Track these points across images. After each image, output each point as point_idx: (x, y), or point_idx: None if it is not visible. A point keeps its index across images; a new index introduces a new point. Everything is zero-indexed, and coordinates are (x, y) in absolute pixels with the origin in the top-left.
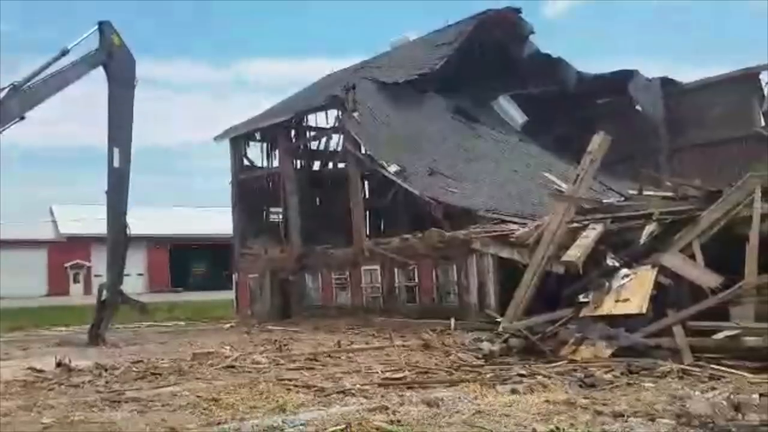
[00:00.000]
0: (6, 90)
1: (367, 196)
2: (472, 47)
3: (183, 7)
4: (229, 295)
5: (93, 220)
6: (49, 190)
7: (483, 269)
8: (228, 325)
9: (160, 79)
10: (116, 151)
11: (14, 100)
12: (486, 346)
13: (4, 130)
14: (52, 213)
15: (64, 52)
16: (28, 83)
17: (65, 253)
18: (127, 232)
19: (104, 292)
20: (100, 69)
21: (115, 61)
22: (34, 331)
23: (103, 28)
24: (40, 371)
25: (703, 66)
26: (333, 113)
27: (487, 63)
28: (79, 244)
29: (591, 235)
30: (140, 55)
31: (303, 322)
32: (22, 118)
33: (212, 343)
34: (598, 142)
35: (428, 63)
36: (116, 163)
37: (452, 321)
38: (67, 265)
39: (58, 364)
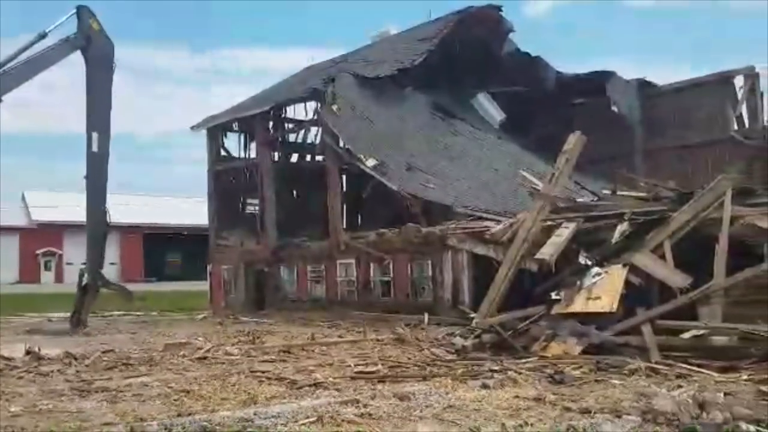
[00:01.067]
0: None
1: (344, 189)
2: (452, 44)
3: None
4: (204, 286)
5: (65, 207)
6: (23, 175)
7: (458, 265)
8: (201, 316)
9: (141, 66)
10: (95, 135)
11: None
12: (459, 341)
13: None
14: (24, 199)
15: (42, 36)
16: (5, 67)
17: (37, 240)
18: (107, 217)
19: (85, 277)
20: (78, 53)
21: (93, 46)
22: (4, 319)
23: (81, 12)
24: (9, 359)
25: (679, 69)
26: (312, 105)
27: (467, 60)
28: (51, 232)
29: (564, 233)
30: (119, 40)
31: (277, 314)
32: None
33: (185, 333)
34: (573, 141)
35: (408, 58)
36: (95, 148)
37: (426, 316)
38: (39, 252)
39: (28, 353)
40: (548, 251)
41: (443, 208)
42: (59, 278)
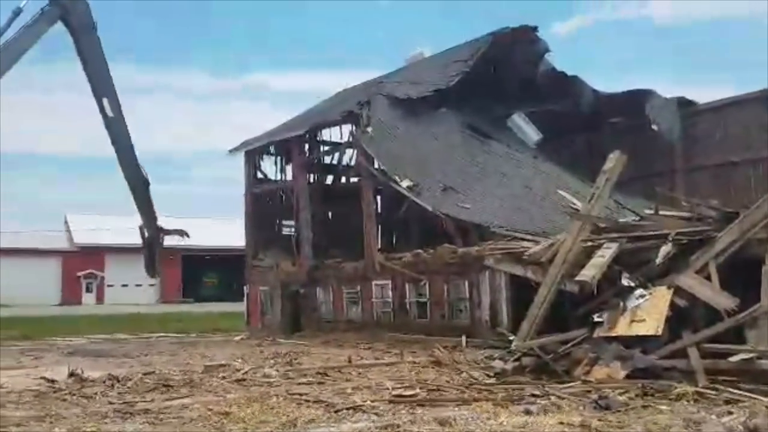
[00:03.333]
0: None
1: (379, 210)
2: (487, 64)
3: (193, 14)
4: (240, 307)
5: (106, 230)
6: (64, 197)
7: (495, 286)
8: (239, 338)
9: (175, 88)
10: (105, 101)
11: None
12: (498, 364)
13: None
14: (66, 222)
15: (17, 13)
16: None
17: (79, 262)
18: (143, 172)
19: (145, 232)
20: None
21: (70, 13)
22: (47, 340)
23: None
24: (53, 381)
25: (707, 86)
26: (347, 128)
27: (502, 80)
28: (93, 254)
29: (606, 254)
30: (150, 64)
31: (313, 335)
32: None
33: (223, 355)
34: (613, 160)
35: (443, 80)
36: (110, 113)
37: (463, 338)
38: (80, 274)
39: (71, 375)
40: (590, 273)
41: (479, 228)
42: (100, 299)
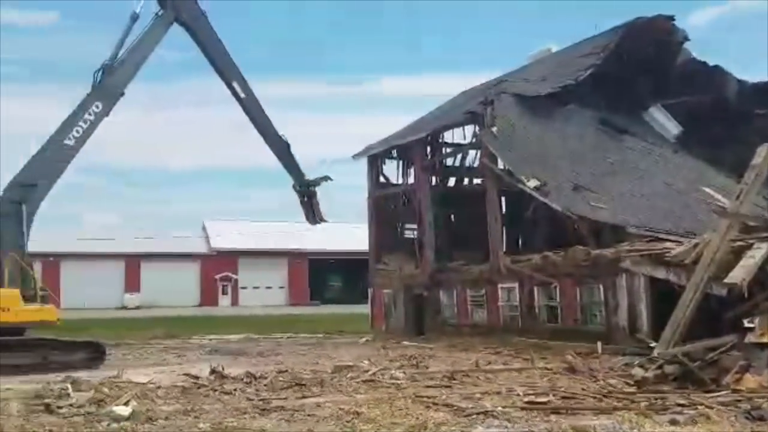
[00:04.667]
0: (100, 72)
1: (504, 212)
2: (620, 57)
3: (322, 24)
4: (363, 309)
5: (239, 235)
6: (202, 206)
7: (634, 290)
8: (363, 340)
9: (298, 98)
10: (235, 84)
11: (112, 79)
12: (638, 372)
13: (110, 110)
14: (204, 228)
15: (135, 18)
16: (117, 59)
17: (215, 266)
18: (282, 137)
19: (298, 188)
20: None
21: (182, 11)
22: (188, 340)
23: None
24: (196, 378)
25: None
26: (470, 129)
27: (637, 73)
28: (228, 258)
29: (756, 255)
30: (276, 76)
31: (437, 338)
32: (122, 94)
33: (350, 356)
34: (763, 154)
35: (571, 74)
36: (242, 94)
37: (599, 344)
38: (217, 277)
39: (212, 372)
40: (739, 275)
41: (614, 229)
42: (235, 302)
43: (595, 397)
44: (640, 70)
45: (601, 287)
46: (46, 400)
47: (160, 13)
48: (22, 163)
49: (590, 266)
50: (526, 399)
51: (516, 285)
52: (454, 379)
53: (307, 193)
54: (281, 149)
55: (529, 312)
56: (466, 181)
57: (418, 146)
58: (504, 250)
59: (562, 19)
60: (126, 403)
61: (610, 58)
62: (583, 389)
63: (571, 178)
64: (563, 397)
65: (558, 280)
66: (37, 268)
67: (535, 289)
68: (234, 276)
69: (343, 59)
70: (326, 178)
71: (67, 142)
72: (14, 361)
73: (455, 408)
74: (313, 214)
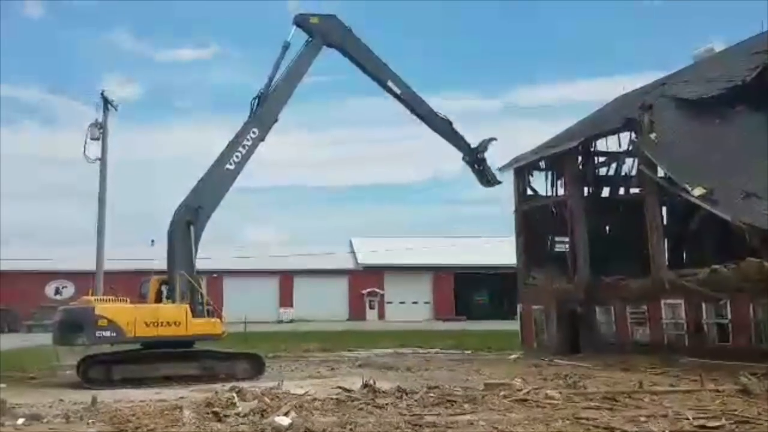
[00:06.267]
0: (256, 100)
1: (665, 223)
2: None
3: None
4: (510, 325)
5: (385, 252)
6: (349, 222)
7: None
8: (514, 357)
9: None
10: (390, 83)
11: (266, 106)
12: None
13: (266, 135)
14: (351, 245)
15: (286, 47)
16: (271, 87)
17: (362, 281)
18: (445, 117)
19: (468, 158)
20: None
21: (328, 34)
22: (340, 353)
23: (299, 21)
24: (350, 391)
25: None
26: (626, 136)
27: None
28: (374, 274)
29: None
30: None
31: (593, 357)
32: (276, 120)
33: (500, 373)
34: None
35: (739, 74)
36: (397, 90)
37: None
38: (364, 292)
39: (365, 386)
40: None
41: None
42: (381, 316)
43: None
44: None
45: None
46: (215, 409)
47: (309, 41)
48: (191, 186)
49: (765, 280)
50: (696, 423)
51: (681, 301)
52: (616, 401)
53: (476, 160)
54: (445, 128)
55: (696, 330)
56: (621, 191)
57: (569, 156)
58: (666, 263)
59: (726, 18)
60: (286, 414)
61: None
62: (759, 413)
63: (741, 185)
64: (738, 422)
65: (729, 295)
66: (203, 284)
67: (703, 305)
68: (380, 291)
69: (488, 67)
70: (491, 140)
71: (228, 166)
72: (184, 372)
73: (618, 431)
74: (486, 178)
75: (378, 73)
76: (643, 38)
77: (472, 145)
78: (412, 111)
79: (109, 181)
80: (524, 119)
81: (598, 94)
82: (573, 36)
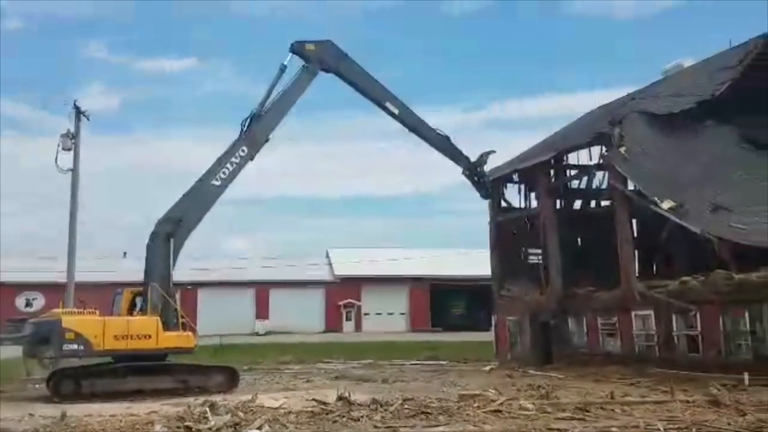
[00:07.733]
0: (248, 120)
1: (635, 235)
2: (761, 69)
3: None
4: (486, 336)
5: (362, 263)
6: (325, 235)
7: None
8: (488, 368)
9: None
10: (387, 104)
11: (258, 126)
12: None
13: (255, 155)
14: (328, 256)
15: (283, 69)
16: (264, 106)
17: (339, 293)
18: (442, 133)
19: (467, 171)
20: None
21: (324, 60)
22: (315, 365)
23: (295, 48)
24: (324, 403)
25: None
26: (597, 150)
27: None
28: (351, 285)
29: None
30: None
31: (566, 368)
32: (267, 140)
33: (475, 384)
34: None
35: (707, 90)
36: (394, 110)
37: (746, 376)
38: (340, 303)
39: (340, 398)
40: None
41: (762, 252)
42: (358, 327)
43: None
44: None
45: (747, 315)
46: (188, 423)
47: (306, 66)
48: (174, 199)
49: (734, 292)
50: None
51: (651, 312)
52: (588, 412)
53: (476, 173)
54: (443, 144)
55: (667, 341)
56: (593, 203)
57: (542, 169)
58: (637, 275)
59: (693, 34)
60: (259, 428)
61: (751, 71)
62: (729, 424)
63: (710, 198)
64: None
65: (698, 307)
66: (177, 296)
67: (673, 316)
68: (357, 302)
69: (469, 83)
70: (490, 153)
71: (214, 182)
72: (156, 385)
73: None
74: (486, 189)
75: (375, 95)
76: (615, 53)
77: (471, 159)
78: (411, 129)
79: (85, 191)
80: (498, 131)
81: (571, 108)
82: (553, 48)
